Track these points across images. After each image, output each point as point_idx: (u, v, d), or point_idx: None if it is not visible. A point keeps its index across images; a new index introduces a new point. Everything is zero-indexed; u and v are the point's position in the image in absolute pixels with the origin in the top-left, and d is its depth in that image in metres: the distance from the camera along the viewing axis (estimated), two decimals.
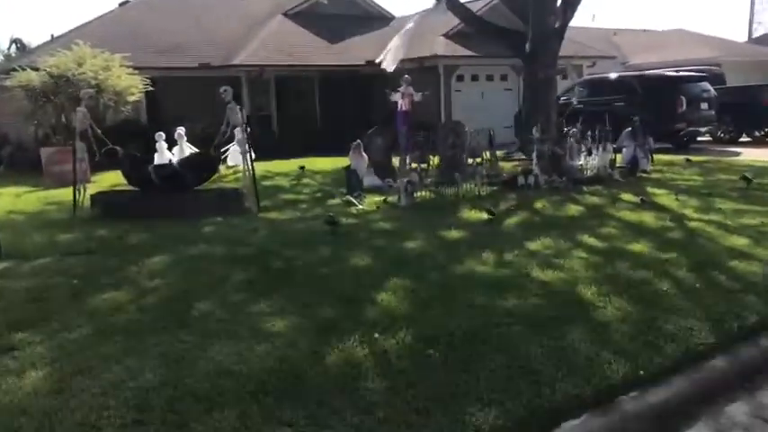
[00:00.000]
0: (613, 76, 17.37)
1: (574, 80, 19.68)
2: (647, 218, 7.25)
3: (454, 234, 6.75)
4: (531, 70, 13.23)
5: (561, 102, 15.00)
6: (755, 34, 44.06)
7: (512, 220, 7.38)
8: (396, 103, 13.03)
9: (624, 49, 30.41)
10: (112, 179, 11.60)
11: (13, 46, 36.42)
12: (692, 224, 6.91)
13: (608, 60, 24.29)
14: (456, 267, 5.44)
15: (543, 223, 7.14)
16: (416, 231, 6.83)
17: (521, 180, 9.75)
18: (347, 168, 9.85)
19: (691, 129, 15.54)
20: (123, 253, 6.27)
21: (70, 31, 20.31)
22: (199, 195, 8.58)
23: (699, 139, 17.00)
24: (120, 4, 23.51)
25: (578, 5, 13.07)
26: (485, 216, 7.48)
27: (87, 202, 8.68)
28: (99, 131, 8.85)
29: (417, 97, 13.25)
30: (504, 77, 21.31)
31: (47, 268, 5.83)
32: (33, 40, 38.87)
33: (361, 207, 8.48)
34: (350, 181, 9.55)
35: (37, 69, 14.54)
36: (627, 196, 8.78)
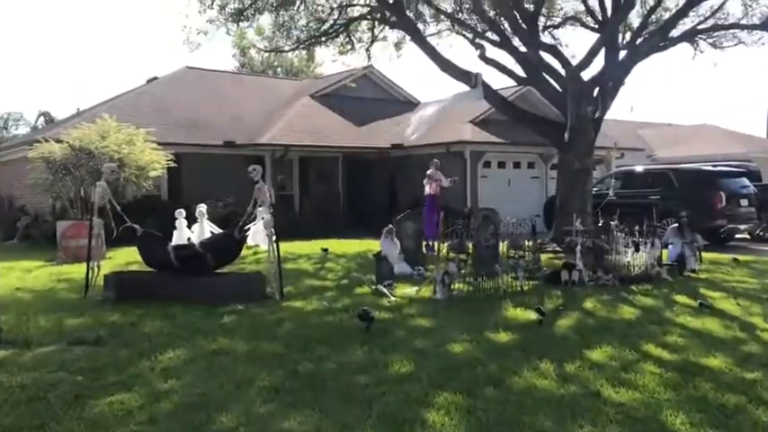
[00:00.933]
0: (649, 168, 17.23)
1: (603, 172, 19.66)
2: (713, 325, 6.81)
3: (503, 336, 6.26)
4: (567, 159, 13.24)
5: (593, 193, 14.76)
6: None
7: (563, 322, 6.89)
8: (428, 186, 13.13)
9: (650, 142, 30.39)
10: (128, 256, 11.38)
11: (41, 119, 37.60)
12: (766, 336, 6.42)
13: (635, 153, 24.43)
14: (513, 380, 4.93)
15: (599, 327, 6.66)
16: (459, 331, 6.37)
17: (564, 275, 9.25)
18: (377, 255, 9.42)
19: (730, 226, 15.08)
20: (135, 343, 5.82)
21: (97, 105, 20.72)
22: (219, 279, 8.16)
23: (737, 236, 16.36)
24: (149, 81, 23.86)
25: (616, 95, 13.28)
26: (533, 316, 7.00)
27: (100, 282, 8.28)
28: (118, 207, 8.60)
29: (446, 183, 13.33)
30: (531, 165, 21.38)
31: (50, 360, 5.34)
32: (61, 113, 39.77)
33: (393, 299, 8.07)
34: (381, 269, 9.10)
35: (60, 141, 14.42)
36: (682, 298, 8.36)
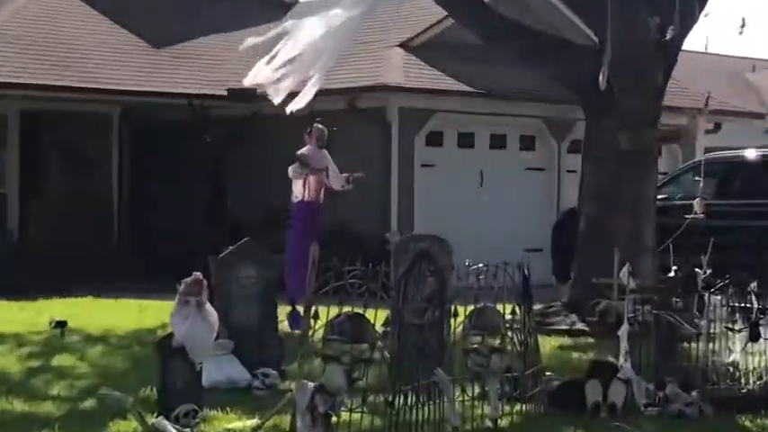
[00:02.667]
0: None
1: (675, 161, 20.99)
2: None
3: None
4: (603, 131, 14.07)
5: (659, 205, 15.45)
6: None
7: None
8: (295, 185, 13.80)
9: None
10: None
11: None
12: None
13: (744, 121, 24.85)
14: None
15: None
16: None
17: (592, 392, 8.98)
18: (162, 347, 8.80)
19: None
20: None
21: None
22: None
23: None
24: None
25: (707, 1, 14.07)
26: None
27: None
28: None
29: (339, 182, 13.98)
30: (527, 143, 21.83)
31: None
32: None
33: None
34: (168, 377, 8.68)
35: None
36: None
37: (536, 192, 21.15)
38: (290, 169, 13.86)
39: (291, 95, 13.82)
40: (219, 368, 9.74)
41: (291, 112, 13.70)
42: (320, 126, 14.06)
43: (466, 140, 20.69)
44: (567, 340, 12.96)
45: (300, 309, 11.70)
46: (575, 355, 11.76)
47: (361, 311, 8.53)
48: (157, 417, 8.14)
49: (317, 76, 13.75)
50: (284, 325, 12.33)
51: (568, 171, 20.62)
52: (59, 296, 16.45)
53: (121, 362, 11.27)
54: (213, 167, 19.18)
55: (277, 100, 13.65)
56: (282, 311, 12.19)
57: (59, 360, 11.30)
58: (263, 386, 9.58)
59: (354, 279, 8.82)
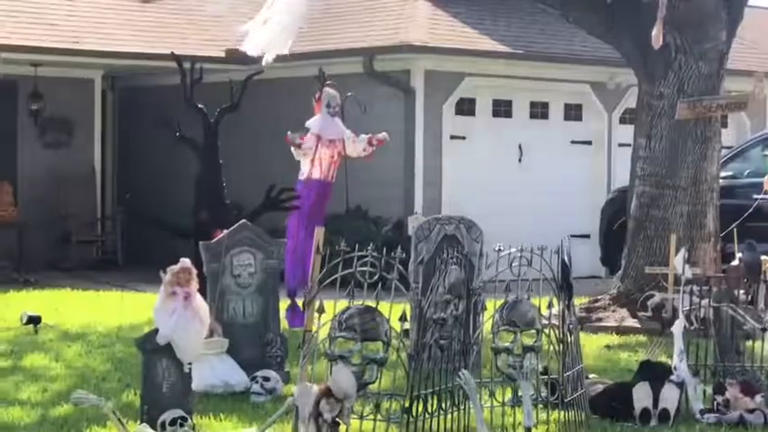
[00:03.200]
0: None
1: (741, 133, 21.14)
2: None
3: None
4: (658, 95, 14.12)
5: (722, 185, 15.58)
6: None
7: None
8: (303, 159, 14.02)
9: None
10: None
11: None
12: None
13: None
14: None
15: None
16: None
17: (641, 398, 9.04)
18: (145, 343, 8.91)
19: None
20: None
21: None
22: None
23: None
24: None
25: None
26: None
27: None
28: None
29: (359, 146, 14.10)
30: (573, 113, 22.08)
31: None
32: None
33: None
34: (151, 381, 8.68)
35: None
36: None
37: (583, 169, 21.23)
38: (296, 147, 14.02)
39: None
40: (212, 370, 9.78)
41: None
42: (331, 91, 14.17)
43: (502, 109, 20.74)
44: (614, 338, 13.01)
45: (300, 302, 11.77)
46: (623, 355, 11.79)
47: (373, 305, 8.56)
48: (140, 424, 8.22)
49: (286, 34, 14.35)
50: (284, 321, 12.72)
51: (620, 145, 20.67)
52: (32, 287, 16.61)
53: (101, 362, 11.29)
54: (206, 139, 18.94)
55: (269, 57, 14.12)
56: (282, 305, 12.39)
57: (31, 360, 11.33)
58: (263, 390, 9.56)
59: (366, 267, 8.85)
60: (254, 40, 14.54)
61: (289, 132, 14.07)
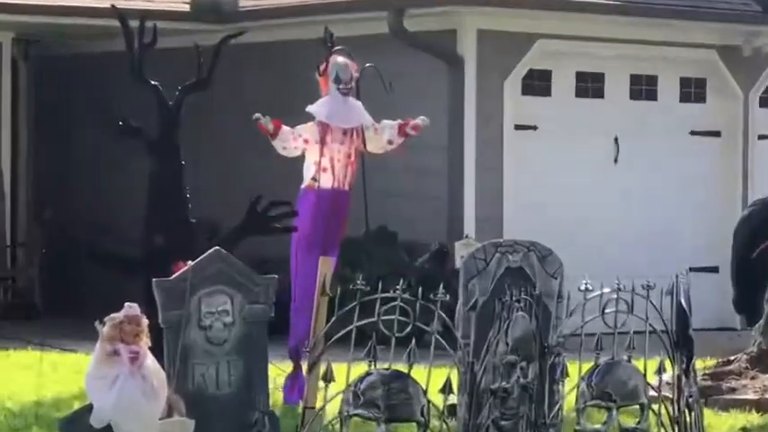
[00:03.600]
0: None
1: None
2: None
3: None
4: None
5: None
6: None
7: None
8: (307, 158, 14.28)
9: None
10: None
11: None
12: None
13: None
14: None
15: None
16: None
17: None
18: (73, 426, 9.31)
19: None
20: None
21: None
22: None
23: None
24: None
25: None
26: None
27: None
28: None
29: (386, 136, 14.21)
30: (692, 91, 22.53)
31: None
32: None
33: None
34: None
35: None
36: None
37: (707, 171, 21.51)
38: (292, 141, 14.07)
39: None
40: None
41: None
42: (341, 60, 13.95)
43: (590, 86, 21.27)
44: (754, 417, 12.89)
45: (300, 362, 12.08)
46: None
47: (404, 369, 8.63)
48: None
49: None
50: (280, 394, 12.85)
51: (761, 137, 21.05)
52: None
53: None
54: (163, 130, 18.44)
55: None
56: (278, 373, 12.57)
57: None
58: None
59: (395, 315, 8.82)
60: None
61: (258, 115, 13.95)
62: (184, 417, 9.91)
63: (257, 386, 10.62)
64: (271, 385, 11.59)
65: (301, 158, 14.38)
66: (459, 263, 13.07)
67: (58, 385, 14.03)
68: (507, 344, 9.34)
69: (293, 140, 13.94)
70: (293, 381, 13.17)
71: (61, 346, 17.21)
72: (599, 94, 20.82)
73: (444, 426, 8.97)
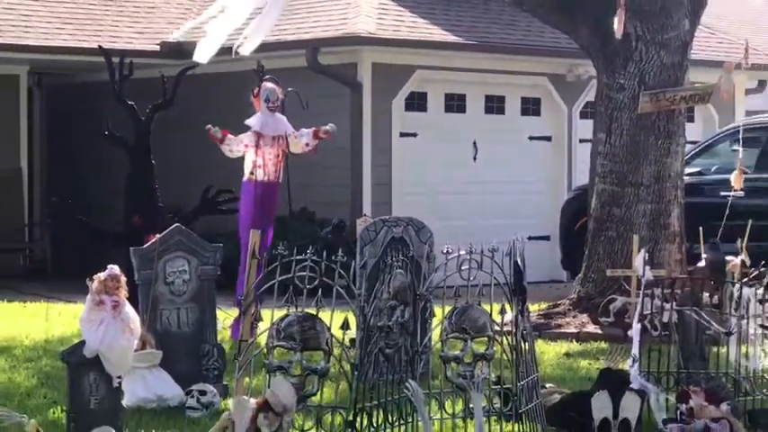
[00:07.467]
0: None
1: (707, 126, 21.46)
2: None
3: None
4: (619, 87, 14.18)
5: (687, 182, 15.67)
6: None
7: None
8: (246, 158, 14.10)
9: None
10: None
11: None
12: None
13: None
14: None
15: None
16: None
17: (600, 408, 9.01)
18: (70, 356, 8.85)
19: None
20: None
21: None
22: None
23: None
24: None
25: None
26: None
27: None
28: None
29: (303, 140, 14.03)
30: (530, 107, 22.08)
31: None
32: None
33: None
34: (78, 396, 8.64)
35: None
36: None
37: (542, 166, 21.42)
38: (225, 144, 14.14)
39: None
40: (144, 383, 9.79)
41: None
42: (270, 85, 14.17)
43: (455, 104, 20.83)
44: (574, 345, 13.07)
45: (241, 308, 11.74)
46: (583, 363, 11.83)
47: (313, 312, 8.56)
48: None
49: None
50: (228, 332, 12.91)
51: (581, 141, 20.88)
52: None
53: (26, 378, 11.30)
54: (137, 138, 18.84)
55: (246, 51, 14.11)
56: (226, 316, 12.66)
57: None
58: (199, 405, 9.54)
59: (305, 272, 8.75)
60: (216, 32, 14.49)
61: (209, 126, 14.13)
62: (154, 349, 10.28)
63: (208, 326, 11.03)
64: (220, 326, 12.04)
65: (242, 158, 14.26)
66: (358, 234, 13.01)
67: (62, 327, 14.08)
68: (389, 293, 9.06)
69: (236, 145, 13.89)
70: (238, 322, 12.65)
71: (65, 299, 17.24)
72: (462, 109, 20.78)
73: (344, 353, 8.73)
